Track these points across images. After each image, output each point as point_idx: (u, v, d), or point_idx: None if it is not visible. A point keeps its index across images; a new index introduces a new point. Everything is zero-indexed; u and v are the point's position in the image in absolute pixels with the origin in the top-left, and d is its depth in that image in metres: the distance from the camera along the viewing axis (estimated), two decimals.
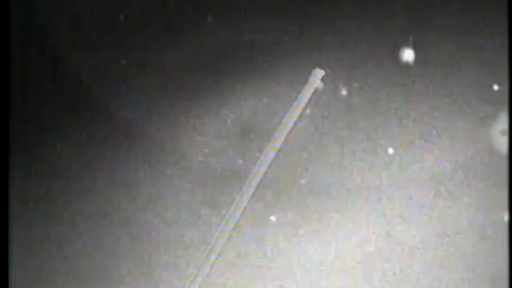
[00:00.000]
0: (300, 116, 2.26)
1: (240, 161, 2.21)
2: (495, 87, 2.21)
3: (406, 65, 2.24)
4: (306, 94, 2.27)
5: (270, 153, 2.21)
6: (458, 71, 2.27)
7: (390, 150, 2.18)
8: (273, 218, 2.14)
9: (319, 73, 2.30)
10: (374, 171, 2.16)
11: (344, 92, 2.26)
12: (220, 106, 2.31)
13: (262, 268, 2.09)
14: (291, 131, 2.24)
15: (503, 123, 2.13)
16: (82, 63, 2.40)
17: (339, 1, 2.38)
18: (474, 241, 2.04)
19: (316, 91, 2.27)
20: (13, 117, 2.11)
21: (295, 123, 2.25)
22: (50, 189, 2.23)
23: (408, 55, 2.14)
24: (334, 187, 2.16)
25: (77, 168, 2.25)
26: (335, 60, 2.32)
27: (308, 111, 2.25)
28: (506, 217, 2.03)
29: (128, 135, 2.29)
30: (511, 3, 2.18)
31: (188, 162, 2.24)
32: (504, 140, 2.12)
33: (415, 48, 2.31)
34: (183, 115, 2.31)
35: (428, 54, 2.31)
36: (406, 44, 2.16)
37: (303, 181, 2.18)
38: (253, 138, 2.24)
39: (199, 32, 2.41)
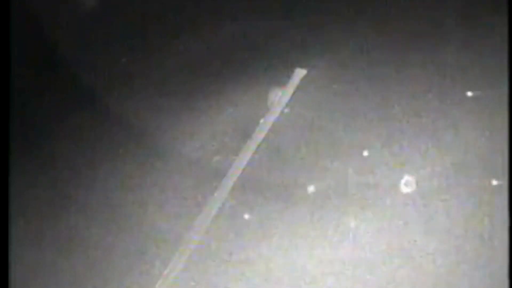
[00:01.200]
0: (281, 114, 2.27)
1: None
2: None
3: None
4: (287, 93, 2.29)
5: (247, 152, 2.22)
6: (458, 71, 2.27)
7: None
8: (246, 216, 2.14)
9: (300, 72, 2.32)
10: (369, 171, 2.17)
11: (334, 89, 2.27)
12: (219, 105, 2.32)
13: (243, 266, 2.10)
14: (270, 129, 2.25)
15: (503, 123, 2.14)
16: (82, 63, 2.40)
17: (328, 2, 2.40)
18: (474, 242, 2.05)
19: (296, 90, 2.29)
20: (13, 117, 2.11)
21: (275, 121, 2.26)
22: (50, 189, 2.23)
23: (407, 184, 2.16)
24: (323, 191, 2.17)
25: (77, 168, 2.26)
26: (326, 60, 2.33)
27: (287, 110, 2.27)
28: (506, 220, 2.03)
29: (128, 134, 2.29)
30: (511, 3, 2.18)
31: (188, 161, 2.24)
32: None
33: (415, 49, 2.32)
34: (182, 114, 2.32)
35: (427, 54, 2.31)
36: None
37: (279, 180, 2.19)
38: (250, 137, 2.25)
39: (198, 32, 2.42)
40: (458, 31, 2.32)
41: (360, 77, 2.30)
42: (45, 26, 2.43)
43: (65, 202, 2.21)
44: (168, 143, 2.28)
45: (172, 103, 2.33)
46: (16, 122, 2.18)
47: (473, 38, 2.31)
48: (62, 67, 2.38)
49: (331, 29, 2.37)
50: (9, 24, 2.09)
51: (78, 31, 2.44)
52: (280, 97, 2.28)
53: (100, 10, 2.44)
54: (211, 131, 2.28)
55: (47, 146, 2.28)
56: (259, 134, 2.23)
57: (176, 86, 2.37)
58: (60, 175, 2.25)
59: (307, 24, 2.39)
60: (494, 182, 2.09)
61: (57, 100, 2.35)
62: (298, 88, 2.30)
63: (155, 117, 2.32)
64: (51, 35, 2.42)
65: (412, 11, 2.36)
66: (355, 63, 2.32)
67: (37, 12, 2.42)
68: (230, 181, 2.17)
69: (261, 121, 2.26)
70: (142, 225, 2.16)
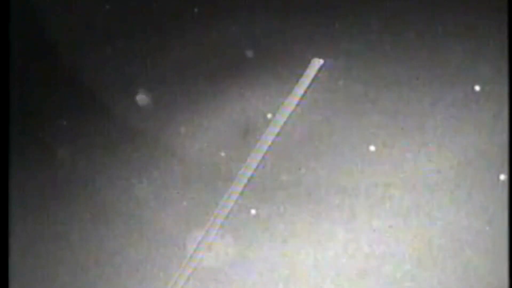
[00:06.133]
0: (298, 104, 2.26)
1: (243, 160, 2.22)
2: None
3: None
4: (304, 83, 2.27)
5: (257, 151, 2.21)
6: (463, 68, 2.27)
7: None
8: (253, 211, 2.14)
9: (317, 62, 2.30)
10: (367, 172, 2.17)
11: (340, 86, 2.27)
12: (220, 104, 2.31)
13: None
14: (285, 124, 2.24)
15: (503, 123, 2.14)
16: (82, 64, 2.40)
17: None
18: (474, 242, 2.05)
19: (314, 81, 2.28)
20: (13, 118, 2.11)
21: (292, 112, 2.25)
22: (50, 188, 2.23)
23: None
24: (325, 186, 2.16)
25: (76, 168, 2.26)
26: (331, 57, 2.33)
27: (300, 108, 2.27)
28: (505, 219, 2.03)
29: (128, 135, 2.29)
30: (511, 3, 2.18)
31: (192, 160, 2.24)
32: None
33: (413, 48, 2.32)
34: (185, 113, 2.32)
35: (426, 53, 2.31)
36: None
37: (284, 177, 2.19)
38: (254, 138, 2.25)
39: (197, 32, 2.42)
40: (461, 29, 2.32)
41: (365, 73, 2.30)
42: (45, 26, 2.42)
43: (66, 202, 2.21)
44: (171, 142, 2.27)
45: (174, 101, 2.33)
46: (16, 123, 2.18)
47: (476, 36, 2.31)
48: (62, 67, 2.38)
49: (336, 26, 2.37)
50: (9, 24, 2.09)
51: (78, 31, 2.44)
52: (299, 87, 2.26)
53: (100, 10, 2.44)
54: (215, 130, 2.28)
55: (46, 146, 2.28)
56: (269, 132, 2.23)
57: (178, 85, 2.37)
58: (60, 175, 2.25)
59: (312, 21, 2.39)
60: (502, 177, 2.09)
61: (57, 100, 2.35)
62: (315, 79, 2.29)
63: (157, 116, 2.32)
64: (51, 35, 2.42)
65: (418, 8, 2.36)
66: (360, 60, 2.32)
67: (37, 12, 2.42)
68: (240, 181, 2.17)
69: (268, 116, 2.25)
70: (146, 225, 2.16)
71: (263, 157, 2.21)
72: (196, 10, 2.42)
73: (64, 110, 2.32)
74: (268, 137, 2.23)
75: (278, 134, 2.23)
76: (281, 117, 2.25)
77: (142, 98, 2.07)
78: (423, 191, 2.12)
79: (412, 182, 2.14)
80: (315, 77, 2.29)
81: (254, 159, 2.20)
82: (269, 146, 2.22)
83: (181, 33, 2.41)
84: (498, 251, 2.01)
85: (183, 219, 2.16)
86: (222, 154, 2.24)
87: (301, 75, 2.30)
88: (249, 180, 2.18)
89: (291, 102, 2.26)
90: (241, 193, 2.16)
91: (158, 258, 2.12)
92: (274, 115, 2.26)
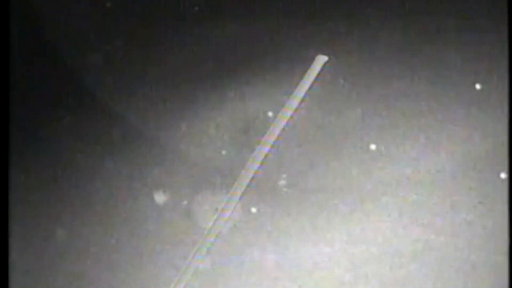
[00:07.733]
0: (299, 103, 2.26)
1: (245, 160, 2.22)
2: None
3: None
4: (308, 80, 2.26)
5: (260, 151, 2.21)
6: (464, 66, 2.27)
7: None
8: (253, 210, 2.14)
9: (322, 59, 2.29)
10: (367, 171, 2.17)
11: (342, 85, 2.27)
12: (220, 103, 2.31)
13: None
14: (286, 123, 2.24)
15: (503, 121, 2.14)
16: (82, 64, 2.40)
17: None
18: (474, 241, 2.04)
19: (317, 78, 2.27)
20: (13, 117, 2.11)
21: (294, 110, 2.25)
22: (50, 189, 2.23)
23: None
24: (326, 185, 2.16)
25: (77, 167, 2.25)
26: (332, 55, 2.32)
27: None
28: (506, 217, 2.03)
29: (128, 135, 2.29)
30: (511, 3, 2.18)
31: (192, 159, 2.24)
32: None
33: (413, 47, 2.32)
34: (185, 112, 2.31)
35: (426, 52, 2.31)
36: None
37: (285, 175, 2.18)
38: (254, 136, 2.25)
39: (198, 30, 2.42)
40: (461, 28, 2.32)
41: (366, 72, 2.30)
42: (45, 26, 2.42)
43: (66, 202, 2.21)
44: (171, 142, 2.27)
45: (174, 101, 2.33)
46: (16, 122, 2.18)
47: (476, 36, 2.30)
48: (62, 67, 2.38)
49: (337, 25, 2.36)
50: (9, 24, 2.09)
51: (78, 31, 2.44)
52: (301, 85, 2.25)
53: (101, 9, 2.44)
54: (216, 128, 2.27)
55: (46, 146, 2.28)
56: (270, 130, 2.22)
57: (178, 84, 2.36)
58: (60, 175, 2.24)
59: (312, 20, 2.39)
60: (503, 176, 2.09)
61: (57, 100, 2.34)
62: (319, 77, 2.28)
63: (157, 115, 2.32)
64: (51, 35, 2.41)
65: (419, 8, 2.36)
66: (361, 58, 2.32)
67: (37, 12, 2.42)
68: (241, 180, 2.17)
69: (270, 114, 2.25)
70: (146, 225, 2.16)
71: (265, 156, 2.21)
72: (196, 9, 2.41)
73: (64, 110, 2.32)
74: (270, 135, 2.23)
75: (279, 132, 2.23)
76: (283, 115, 2.25)
77: (160, 197, 2.08)
78: (423, 190, 2.12)
79: (412, 181, 2.13)
80: (318, 74, 2.29)
81: (255, 158, 2.20)
82: (271, 145, 2.22)
83: (181, 33, 2.40)
84: (498, 250, 2.00)
85: (184, 218, 2.16)
86: (223, 152, 2.23)
87: (301, 73, 2.29)
88: (250, 178, 2.18)
89: (293, 100, 2.26)
90: (242, 192, 2.16)
91: (158, 257, 2.12)
92: (275, 113, 2.26)
